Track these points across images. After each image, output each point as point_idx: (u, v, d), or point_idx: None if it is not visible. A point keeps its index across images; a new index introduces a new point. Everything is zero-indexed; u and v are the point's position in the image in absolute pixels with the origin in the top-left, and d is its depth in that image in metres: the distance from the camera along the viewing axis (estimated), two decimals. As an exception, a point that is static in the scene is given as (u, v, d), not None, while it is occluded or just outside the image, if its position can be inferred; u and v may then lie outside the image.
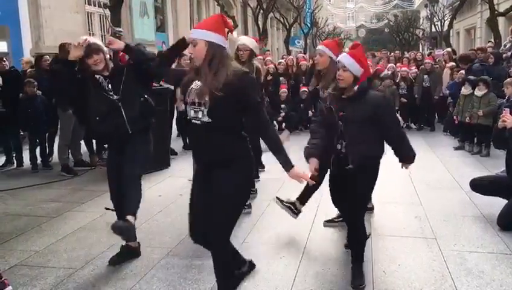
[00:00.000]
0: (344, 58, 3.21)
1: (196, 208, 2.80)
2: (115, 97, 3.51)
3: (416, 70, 10.45)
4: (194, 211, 2.81)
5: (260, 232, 4.33)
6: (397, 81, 10.27)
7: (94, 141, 7.43)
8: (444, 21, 28.00)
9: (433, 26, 29.42)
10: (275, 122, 10.36)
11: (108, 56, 3.69)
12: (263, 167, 6.27)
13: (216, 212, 2.65)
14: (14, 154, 7.11)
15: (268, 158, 6.81)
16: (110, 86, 3.53)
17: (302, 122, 10.69)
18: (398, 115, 3.72)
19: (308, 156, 3.30)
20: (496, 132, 4.60)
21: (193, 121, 2.65)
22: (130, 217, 3.32)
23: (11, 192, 5.64)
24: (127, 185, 3.49)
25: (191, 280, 3.32)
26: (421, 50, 28.52)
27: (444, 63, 10.28)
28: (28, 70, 7.65)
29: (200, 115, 2.60)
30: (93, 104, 3.53)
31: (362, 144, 3.17)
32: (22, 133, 6.94)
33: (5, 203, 5.25)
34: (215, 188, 2.66)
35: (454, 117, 8.16)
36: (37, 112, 6.68)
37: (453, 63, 9.97)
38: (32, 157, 6.92)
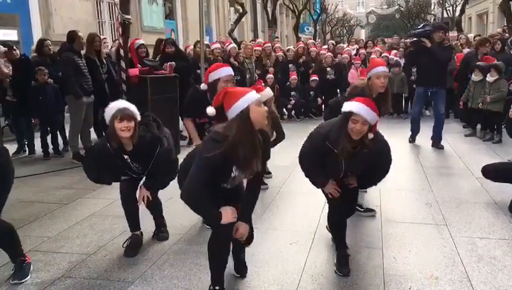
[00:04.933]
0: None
1: None
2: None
3: None
4: None
5: (270, 219, 4.35)
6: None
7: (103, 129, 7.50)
8: (456, 6, 27.61)
9: (444, 11, 29.02)
10: (284, 109, 10.36)
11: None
12: (269, 173, 5.78)
13: None
14: (26, 142, 7.19)
15: (274, 149, 6.80)
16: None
17: (311, 109, 10.68)
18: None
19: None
20: (509, 122, 4.54)
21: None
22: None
23: (23, 179, 5.70)
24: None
25: (202, 266, 3.34)
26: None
27: (460, 47, 10.10)
28: (32, 56, 7.68)
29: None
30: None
31: None
32: (33, 121, 7.01)
33: (18, 190, 5.30)
34: None
35: (461, 103, 8.12)
36: (47, 100, 6.74)
37: (469, 50, 9.76)
38: (44, 145, 7.00)
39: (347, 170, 3.25)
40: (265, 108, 2.79)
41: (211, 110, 2.86)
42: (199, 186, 2.65)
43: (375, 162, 3.28)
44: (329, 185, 3.29)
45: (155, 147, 3.46)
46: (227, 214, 2.75)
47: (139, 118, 3.42)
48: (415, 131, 7.51)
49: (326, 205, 4.55)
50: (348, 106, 3.11)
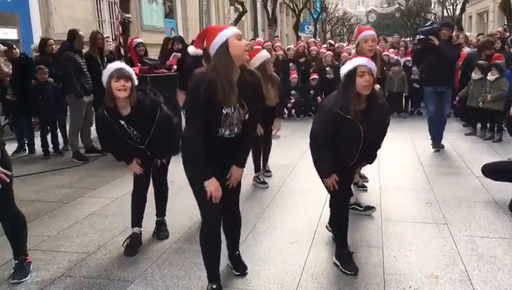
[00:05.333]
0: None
1: None
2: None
3: None
4: None
5: (270, 217, 4.34)
6: (410, 66, 10.16)
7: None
8: (456, 5, 27.59)
9: (445, 10, 29.01)
10: (284, 108, 10.35)
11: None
12: (269, 171, 5.70)
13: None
14: (26, 141, 7.19)
15: (276, 144, 6.80)
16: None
17: (311, 108, 10.66)
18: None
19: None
20: (510, 121, 4.54)
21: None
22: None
23: (23, 178, 5.70)
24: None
25: (202, 264, 3.32)
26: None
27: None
28: (34, 55, 7.67)
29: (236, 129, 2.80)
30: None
31: None
32: (33, 120, 7.01)
33: (18, 189, 5.29)
34: None
35: (457, 98, 8.10)
36: (47, 99, 6.74)
37: (469, 49, 9.73)
38: (44, 144, 7.00)
39: (366, 134, 3.16)
40: (246, 42, 2.74)
41: (191, 49, 2.80)
42: (195, 129, 2.66)
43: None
44: (331, 178, 3.24)
45: (155, 111, 3.42)
46: (213, 185, 2.72)
47: (136, 81, 3.37)
48: (435, 135, 6.95)
49: (326, 204, 4.56)
50: (348, 66, 3.14)
